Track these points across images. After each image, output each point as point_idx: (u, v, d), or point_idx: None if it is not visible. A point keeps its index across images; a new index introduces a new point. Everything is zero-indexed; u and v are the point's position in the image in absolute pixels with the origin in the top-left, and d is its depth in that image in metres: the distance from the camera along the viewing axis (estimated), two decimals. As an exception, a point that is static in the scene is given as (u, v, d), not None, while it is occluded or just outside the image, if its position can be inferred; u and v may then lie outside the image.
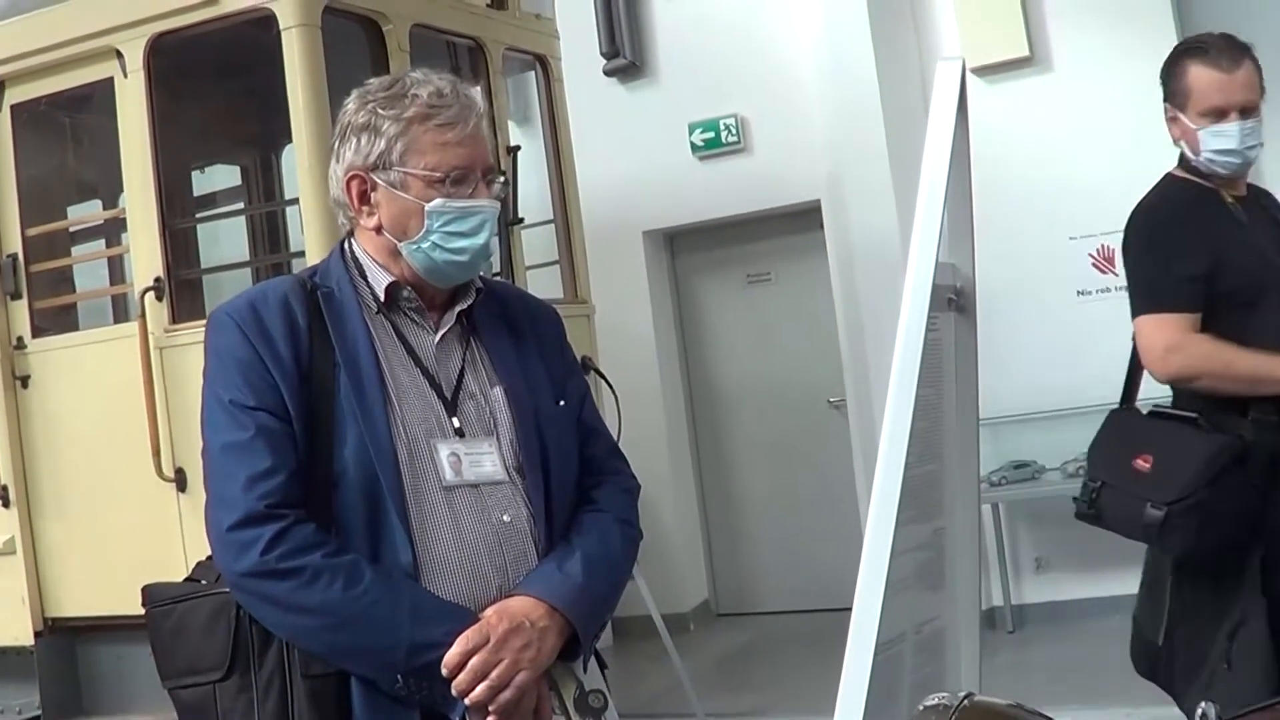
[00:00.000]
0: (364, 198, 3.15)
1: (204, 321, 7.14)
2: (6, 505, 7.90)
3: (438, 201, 3.08)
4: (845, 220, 10.51)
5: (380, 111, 3.10)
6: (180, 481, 7.33)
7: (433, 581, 3.00)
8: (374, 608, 2.89)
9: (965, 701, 1.67)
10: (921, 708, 1.71)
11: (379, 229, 3.15)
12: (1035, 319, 9.88)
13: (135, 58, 7.44)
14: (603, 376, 7.72)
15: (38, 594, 7.93)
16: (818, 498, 11.33)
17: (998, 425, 9.39)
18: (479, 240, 3.13)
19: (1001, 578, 10.02)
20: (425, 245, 3.10)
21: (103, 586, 7.65)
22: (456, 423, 3.12)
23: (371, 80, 3.23)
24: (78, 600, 7.87)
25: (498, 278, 3.31)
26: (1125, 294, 9.67)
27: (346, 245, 3.25)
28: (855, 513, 10.53)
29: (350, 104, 3.17)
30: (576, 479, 3.27)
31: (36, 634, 7.91)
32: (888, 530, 2.31)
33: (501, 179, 3.22)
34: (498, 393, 3.19)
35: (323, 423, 2.99)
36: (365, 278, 3.18)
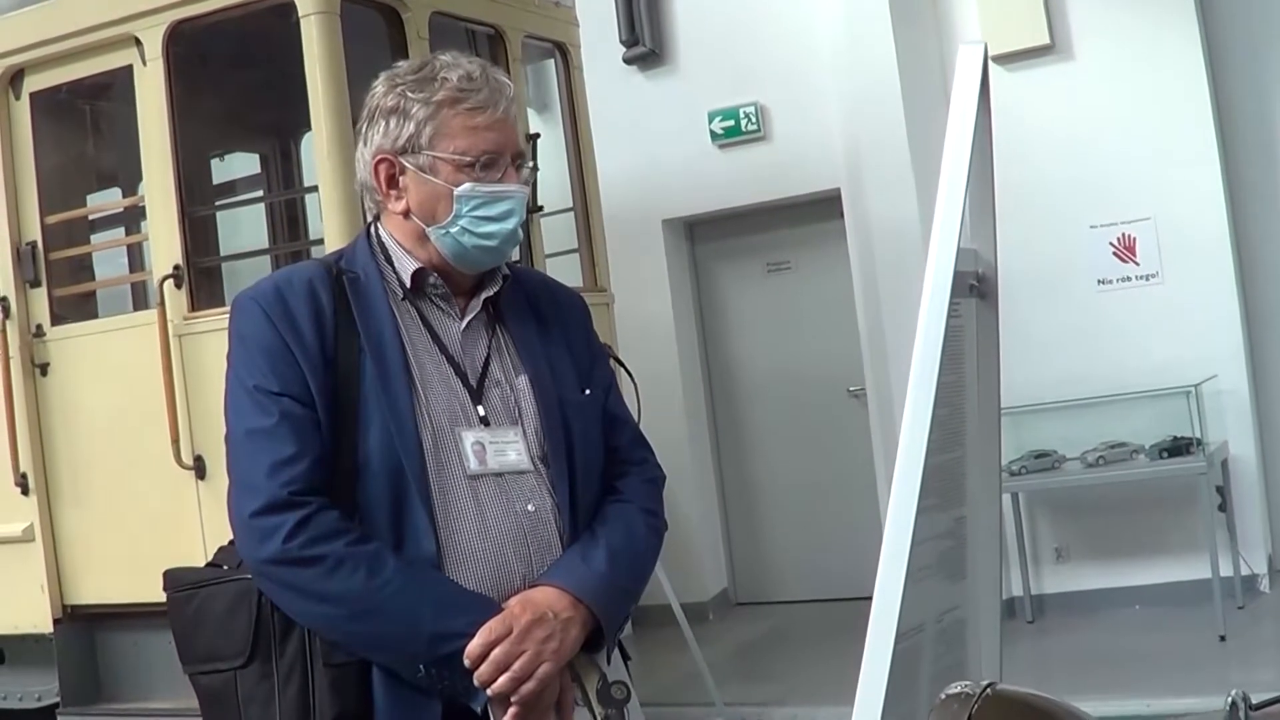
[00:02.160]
0: (392, 181, 3.13)
1: (223, 309, 7.17)
2: (26, 493, 7.91)
3: (467, 186, 3.06)
4: (865, 209, 10.50)
5: (409, 95, 3.08)
6: (199, 469, 7.34)
7: (456, 571, 2.98)
8: (396, 597, 2.88)
9: (988, 690, 1.66)
10: (944, 696, 1.70)
11: (407, 213, 3.13)
12: (1055, 308, 9.87)
13: (154, 45, 7.44)
14: (623, 365, 7.71)
15: (57, 581, 7.94)
16: (837, 487, 11.32)
17: (1018, 415, 9.36)
18: (508, 225, 3.11)
19: (1021, 568, 10.01)
20: (454, 230, 3.08)
21: (121, 574, 7.65)
22: (481, 411, 3.10)
23: (400, 63, 3.21)
24: (97, 588, 7.88)
25: (516, 264, 3.33)
26: (1145, 284, 9.83)
27: (373, 230, 3.23)
28: (874, 502, 10.53)
29: (379, 86, 3.16)
30: (602, 469, 3.25)
31: (55, 621, 7.91)
32: (908, 518, 2.29)
33: (530, 164, 3.21)
34: (523, 381, 3.17)
35: (347, 409, 2.98)
36: (391, 263, 3.16)
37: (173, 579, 3.23)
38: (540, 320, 3.29)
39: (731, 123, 11.26)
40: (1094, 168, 10.02)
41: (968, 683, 1.69)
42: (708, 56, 11.34)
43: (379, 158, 3.12)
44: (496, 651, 2.90)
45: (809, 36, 10.90)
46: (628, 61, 11.53)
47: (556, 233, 9.00)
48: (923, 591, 2.53)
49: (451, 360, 3.12)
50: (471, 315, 3.19)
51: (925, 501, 2.33)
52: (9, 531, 7.98)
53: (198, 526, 7.29)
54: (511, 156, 3.13)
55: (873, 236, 10.44)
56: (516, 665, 2.91)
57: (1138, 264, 10.06)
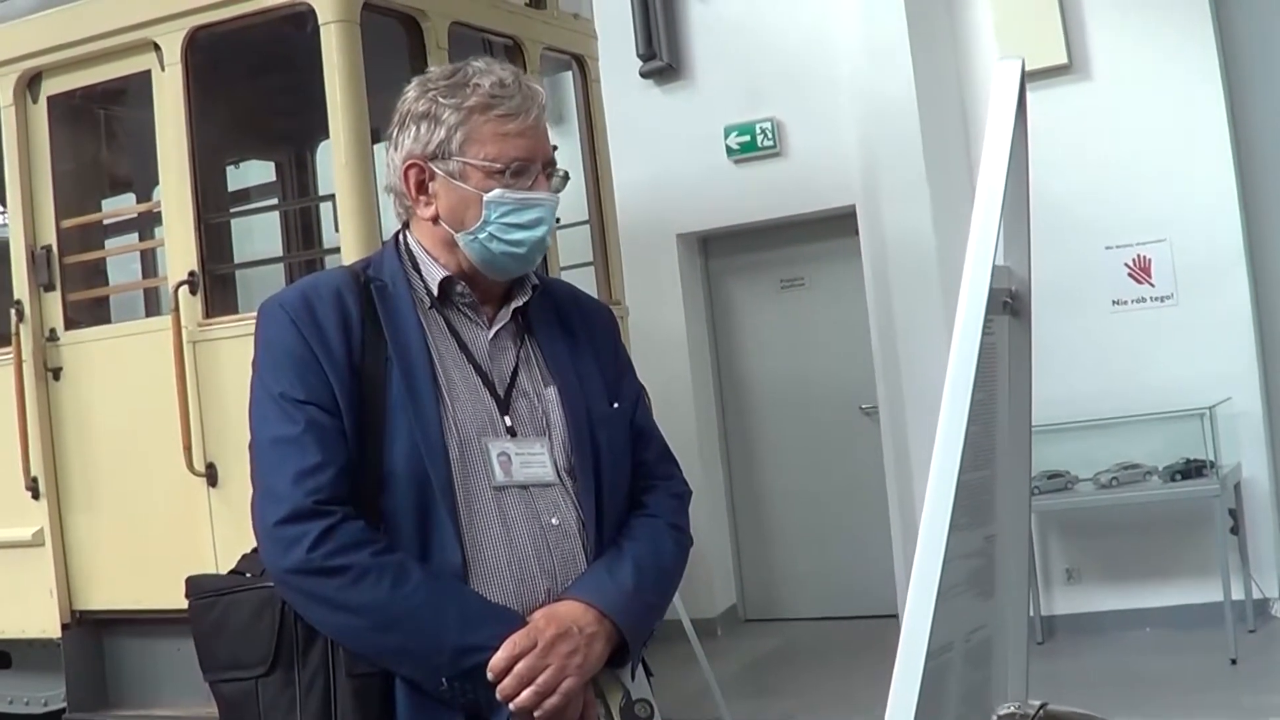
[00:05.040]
0: (421, 187, 3.11)
1: (237, 316, 7.16)
2: (36, 497, 7.89)
3: (496, 192, 3.04)
4: (880, 225, 10.50)
5: (441, 100, 3.06)
6: (211, 476, 7.32)
7: (481, 583, 2.96)
8: (421, 609, 2.86)
9: (1040, 712, 1.65)
10: (996, 717, 1.68)
11: (436, 219, 3.11)
12: (1070, 328, 9.84)
13: (173, 51, 7.44)
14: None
15: (66, 586, 7.92)
16: (848, 504, 11.32)
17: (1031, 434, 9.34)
18: (537, 233, 3.09)
19: (1032, 588, 9.98)
20: (482, 236, 3.06)
21: (131, 580, 7.65)
22: (508, 421, 3.08)
23: (432, 69, 3.21)
24: (106, 593, 7.86)
25: (538, 273, 3.31)
26: (1160, 305, 9.81)
27: (401, 238, 3.21)
28: (885, 520, 10.53)
29: (410, 92, 3.14)
30: (628, 482, 3.23)
31: (64, 626, 7.89)
32: (940, 537, 2.27)
33: (562, 172, 3.19)
34: (551, 392, 3.15)
35: (373, 418, 2.96)
36: (419, 271, 3.14)
37: (195, 586, 3.21)
38: (568, 332, 3.27)
39: (747, 138, 11.28)
40: (1110, 188, 10.03)
41: (1017, 703, 1.68)
42: (724, 71, 11.36)
43: (409, 163, 3.10)
44: (520, 665, 2.88)
45: (826, 52, 10.91)
46: (644, 75, 11.55)
47: (572, 245, 8.99)
48: (952, 610, 2.51)
49: (479, 370, 3.10)
50: (500, 325, 3.17)
51: (956, 520, 2.31)
52: (19, 536, 7.96)
53: (209, 534, 7.27)
54: (542, 164, 3.12)
55: (887, 254, 10.43)
56: (540, 679, 2.88)
57: (1153, 285, 10.06)
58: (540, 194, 3.10)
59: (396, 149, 3.14)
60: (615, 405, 3.25)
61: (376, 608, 2.85)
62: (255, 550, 3.04)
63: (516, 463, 3.05)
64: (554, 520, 3.06)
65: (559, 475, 3.10)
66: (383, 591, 2.84)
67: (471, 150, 3.04)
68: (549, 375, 3.18)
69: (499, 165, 3.05)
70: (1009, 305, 2.85)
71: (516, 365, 3.16)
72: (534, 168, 3.09)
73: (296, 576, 2.88)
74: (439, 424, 2.98)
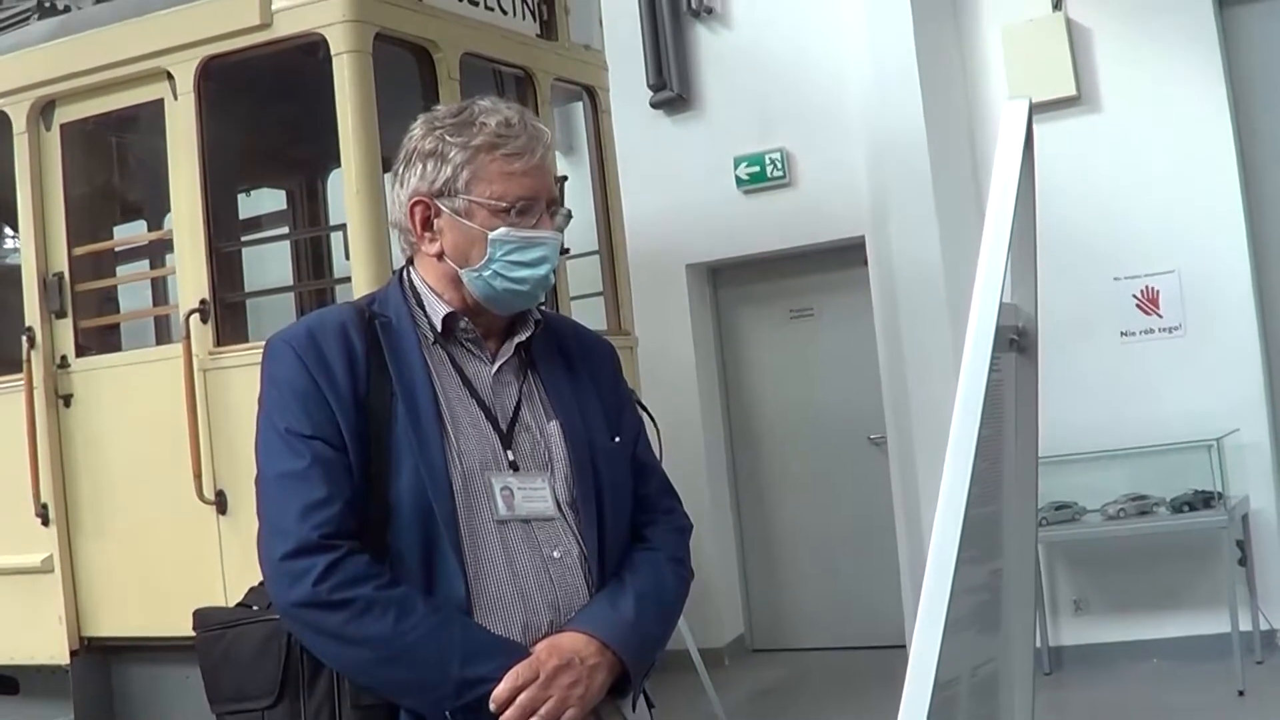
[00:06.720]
0: (427, 224, 3.14)
1: (247, 345, 7.16)
2: (46, 524, 7.89)
3: (501, 230, 3.07)
4: (889, 257, 10.51)
5: (448, 139, 3.09)
6: (221, 504, 7.32)
7: (485, 616, 2.98)
8: (424, 642, 2.88)
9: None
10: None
11: (440, 255, 3.14)
12: (1078, 360, 9.85)
13: (186, 80, 7.45)
14: (645, 409, 7.70)
15: (74, 613, 7.91)
16: (856, 535, 11.31)
17: (1039, 465, 9.33)
18: (541, 271, 3.12)
19: (1040, 619, 9.97)
20: (486, 274, 3.09)
21: (140, 607, 7.64)
22: (511, 456, 3.11)
23: (439, 106, 3.23)
24: (114, 620, 7.85)
25: (542, 307, 3.32)
26: (1168, 336, 9.81)
27: (405, 274, 3.24)
28: (894, 551, 10.51)
29: (417, 129, 3.16)
30: (630, 516, 3.25)
31: (72, 653, 7.88)
32: (948, 573, 2.29)
33: (565, 210, 3.22)
34: (554, 427, 3.17)
35: (379, 453, 2.98)
36: (423, 307, 3.17)
37: (202, 619, 3.23)
38: (570, 366, 3.30)
39: (757, 168, 11.30)
40: (1119, 219, 10.04)
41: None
42: (734, 102, 11.39)
43: (415, 200, 3.13)
44: (523, 696, 2.90)
45: (836, 84, 10.93)
46: (655, 106, 11.58)
47: (582, 275, 9.00)
48: (960, 644, 2.52)
49: (482, 404, 3.13)
50: (503, 360, 3.19)
51: (963, 555, 2.33)
52: (28, 562, 7.96)
53: (218, 562, 7.27)
54: (546, 202, 3.14)
55: (896, 285, 10.44)
56: (542, 710, 2.90)
57: (1161, 316, 10.06)
58: (544, 232, 3.12)
59: (402, 186, 3.16)
60: (616, 439, 3.28)
61: (381, 641, 2.87)
62: (262, 583, 3.05)
63: (519, 497, 3.07)
64: (556, 553, 3.08)
65: (560, 509, 3.12)
66: (387, 625, 2.87)
67: (478, 188, 3.07)
68: (551, 410, 3.21)
69: (504, 204, 3.07)
70: (1016, 342, 2.87)
71: (519, 400, 3.18)
72: (538, 206, 3.12)
73: (302, 610, 2.90)
74: (443, 458, 3.00)
